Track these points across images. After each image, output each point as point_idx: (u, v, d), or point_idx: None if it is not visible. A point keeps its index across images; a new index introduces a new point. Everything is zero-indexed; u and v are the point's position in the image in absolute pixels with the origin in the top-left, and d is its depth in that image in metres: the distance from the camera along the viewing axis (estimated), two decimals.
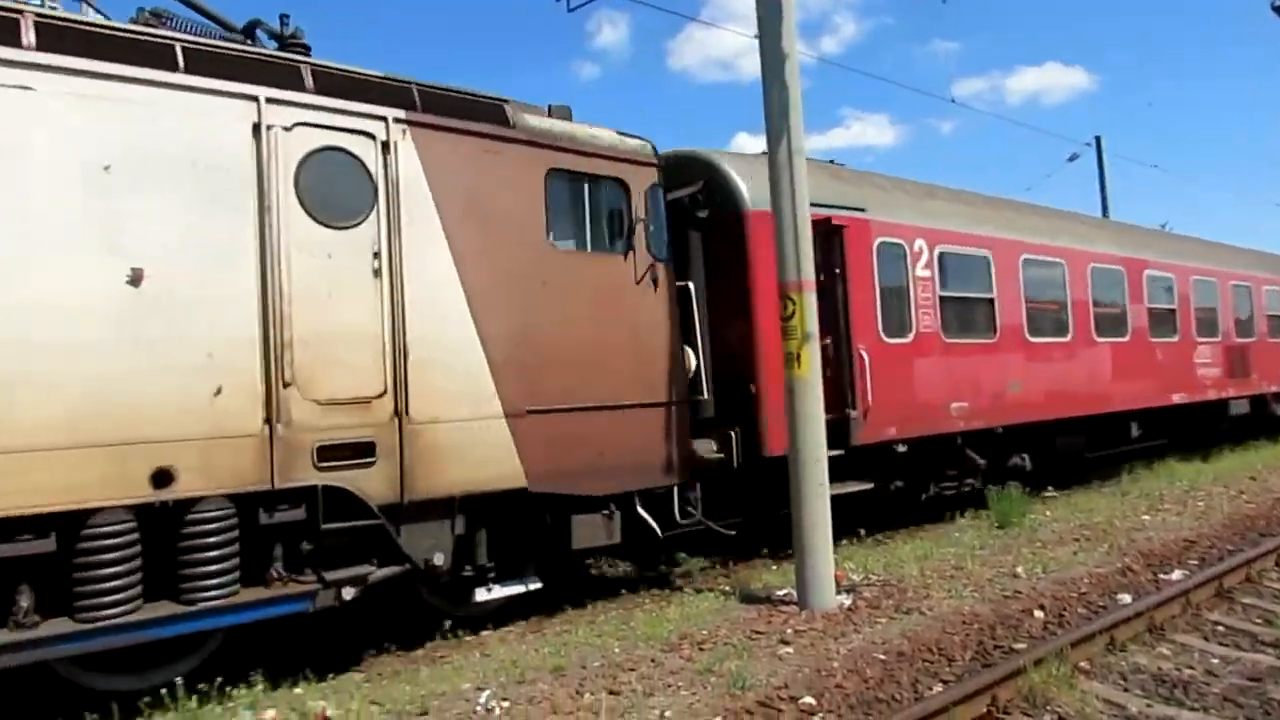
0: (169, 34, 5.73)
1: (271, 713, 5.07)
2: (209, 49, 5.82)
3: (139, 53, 5.47)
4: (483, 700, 5.10)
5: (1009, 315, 11.68)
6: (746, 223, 9.02)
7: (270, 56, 6.14)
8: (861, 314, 9.85)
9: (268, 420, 5.65)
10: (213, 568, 5.45)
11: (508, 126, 7.08)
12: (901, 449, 10.27)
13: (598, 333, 7.39)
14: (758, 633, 6.23)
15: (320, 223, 6.00)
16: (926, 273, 10.72)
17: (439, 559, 6.44)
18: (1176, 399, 14.63)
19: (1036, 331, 12.14)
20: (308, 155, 5.99)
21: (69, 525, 5.03)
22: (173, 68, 5.54)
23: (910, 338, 10.46)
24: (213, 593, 5.45)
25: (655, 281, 7.88)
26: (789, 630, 6.25)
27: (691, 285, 8.37)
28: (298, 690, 5.61)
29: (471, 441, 6.53)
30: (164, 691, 5.16)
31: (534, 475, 6.83)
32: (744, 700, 4.93)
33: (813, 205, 8.47)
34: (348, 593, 5.98)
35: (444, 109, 6.75)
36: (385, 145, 6.32)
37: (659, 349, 7.85)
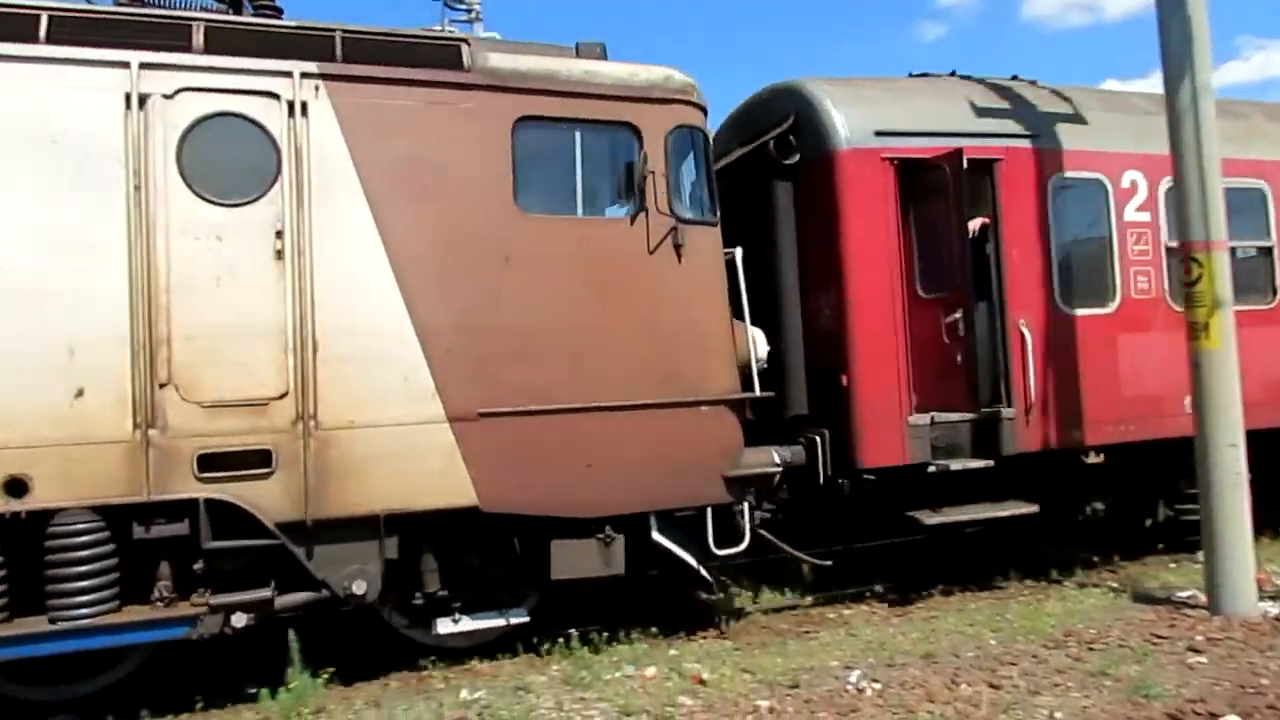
0: (40, 3, 5.25)
1: (652, 669, 5.44)
2: (77, 14, 5.26)
3: None
4: (853, 680, 5.05)
5: None
6: (838, 166, 7.11)
7: (155, 17, 5.40)
8: (1022, 276, 7.37)
9: (139, 425, 5.06)
10: (80, 584, 5.00)
11: (461, 70, 5.89)
12: (1096, 458, 7.88)
13: (590, 316, 6.01)
14: (1159, 636, 5.73)
15: (208, 200, 5.26)
16: (1144, 216, 7.79)
17: (359, 587, 5.50)
18: None
19: None
20: (193, 124, 5.27)
21: None
22: (32, 39, 5.08)
23: (1113, 307, 7.67)
24: (82, 610, 5.01)
25: (679, 249, 6.22)
26: (1198, 637, 5.68)
27: (738, 253, 6.61)
28: (673, 651, 6.03)
29: (401, 451, 5.48)
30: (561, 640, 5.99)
31: (487, 492, 5.64)
32: (1149, 710, 4.51)
33: (944, 135, 7.26)
34: (239, 619, 5.26)
35: (375, 57, 5.70)
36: (292, 105, 5.43)
37: (684, 332, 6.22)
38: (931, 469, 7.09)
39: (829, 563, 7.33)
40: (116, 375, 5.03)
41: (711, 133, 6.96)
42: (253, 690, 5.40)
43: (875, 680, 5.00)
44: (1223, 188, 6.40)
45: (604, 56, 6.43)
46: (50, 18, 5.17)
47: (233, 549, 5.22)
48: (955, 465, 7.09)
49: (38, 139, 5.00)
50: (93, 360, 5.00)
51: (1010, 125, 7.66)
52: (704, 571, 6.46)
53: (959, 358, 7.06)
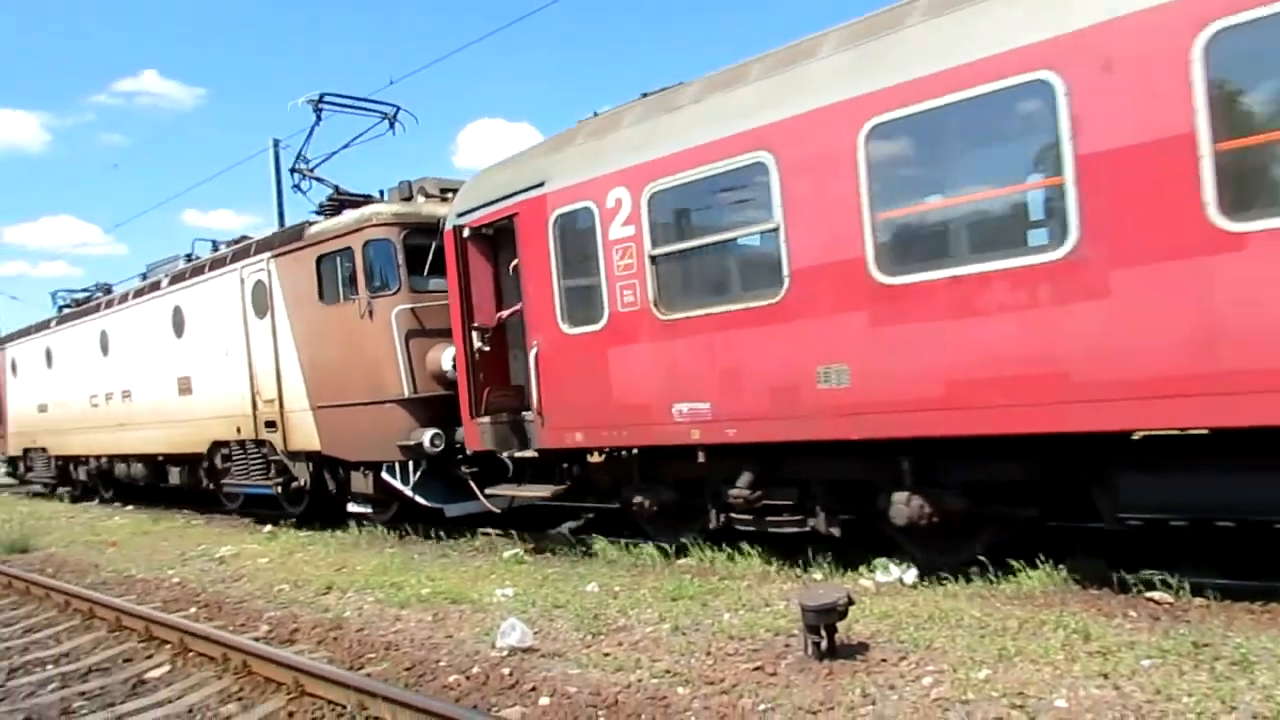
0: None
1: None
2: (217, 255, 13.73)
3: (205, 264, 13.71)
4: None
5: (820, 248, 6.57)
6: (445, 241, 9.73)
7: (241, 246, 13.27)
8: (536, 304, 8.54)
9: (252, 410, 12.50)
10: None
11: (302, 239, 11.66)
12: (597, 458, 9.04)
13: (345, 356, 10.91)
14: None
15: (258, 316, 12.39)
16: (629, 230, 7.70)
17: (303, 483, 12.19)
18: None
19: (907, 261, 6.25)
20: (254, 285, 12.46)
21: None
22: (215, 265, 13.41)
23: (603, 323, 7.99)
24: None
25: (371, 313, 10.50)
26: None
27: (409, 306, 10.42)
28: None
29: (300, 423, 11.73)
30: None
31: (324, 443, 11.40)
32: None
33: (491, 203, 9.07)
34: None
35: (285, 241, 12.08)
36: (269, 270, 12.14)
37: (376, 360, 10.51)
38: (504, 455, 9.41)
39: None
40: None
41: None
42: None
43: None
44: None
45: (409, 195, 11.19)
46: (232, 252, 12.95)
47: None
48: (504, 454, 9.35)
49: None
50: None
51: (527, 179, 8.65)
52: (418, 498, 10.47)
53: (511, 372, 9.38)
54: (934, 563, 6.82)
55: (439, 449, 9.97)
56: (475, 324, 9.25)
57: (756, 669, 5.02)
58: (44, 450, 21.03)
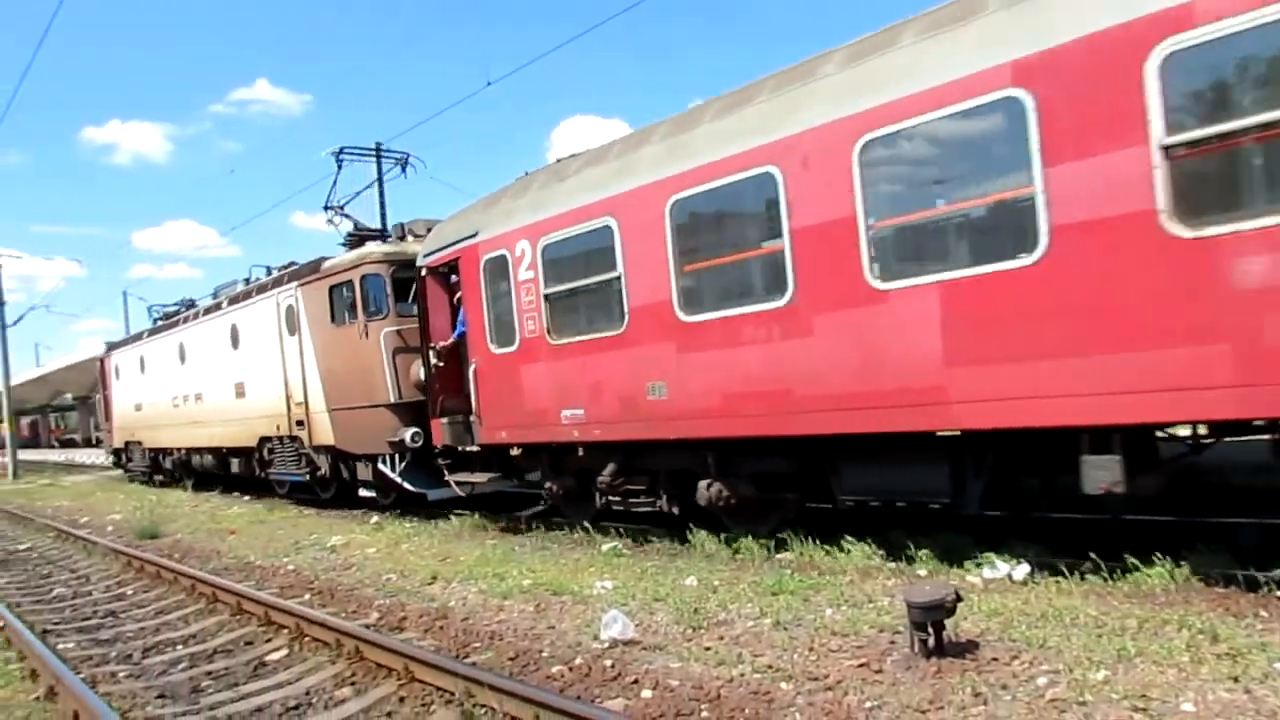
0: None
1: None
2: (264, 280, 16.75)
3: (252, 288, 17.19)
4: None
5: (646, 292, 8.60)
6: (419, 276, 11.97)
7: (280, 274, 16.14)
8: (473, 331, 10.81)
9: (287, 411, 15.16)
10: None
11: (317, 272, 14.37)
12: (516, 451, 10.79)
13: (349, 367, 13.48)
14: None
15: (290, 334, 14.99)
16: (530, 274, 9.85)
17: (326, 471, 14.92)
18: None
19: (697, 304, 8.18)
20: (287, 309, 15.06)
21: None
22: (256, 292, 16.65)
23: (516, 346, 10.17)
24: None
25: (367, 332, 13.11)
26: None
27: (396, 328, 12.95)
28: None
29: (321, 422, 14.25)
30: None
31: (338, 439, 13.85)
32: None
33: (445, 248, 11.33)
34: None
35: (307, 274, 14.64)
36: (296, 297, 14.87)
37: (370, 371, 13.05)
38: (462, 449, 11.44)
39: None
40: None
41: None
42: None
43: None
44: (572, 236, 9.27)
45: (403, 236, 13.87)
46: (272, 280, 16.11)
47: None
48: (460, 448, 11.40)
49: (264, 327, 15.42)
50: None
51: (467, 230, 10.86)
52: (405, 484, 12.87)
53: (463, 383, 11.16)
54: (740, 533, 8.63)
55: (418, 444, 12.23)
56: (432, 344, 11.57)
57: (861, 665, 4.94)
58: (140, 443, 24.34)
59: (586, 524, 10.28)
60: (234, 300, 17.57)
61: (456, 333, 11.41)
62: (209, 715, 5.30)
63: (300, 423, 14.71)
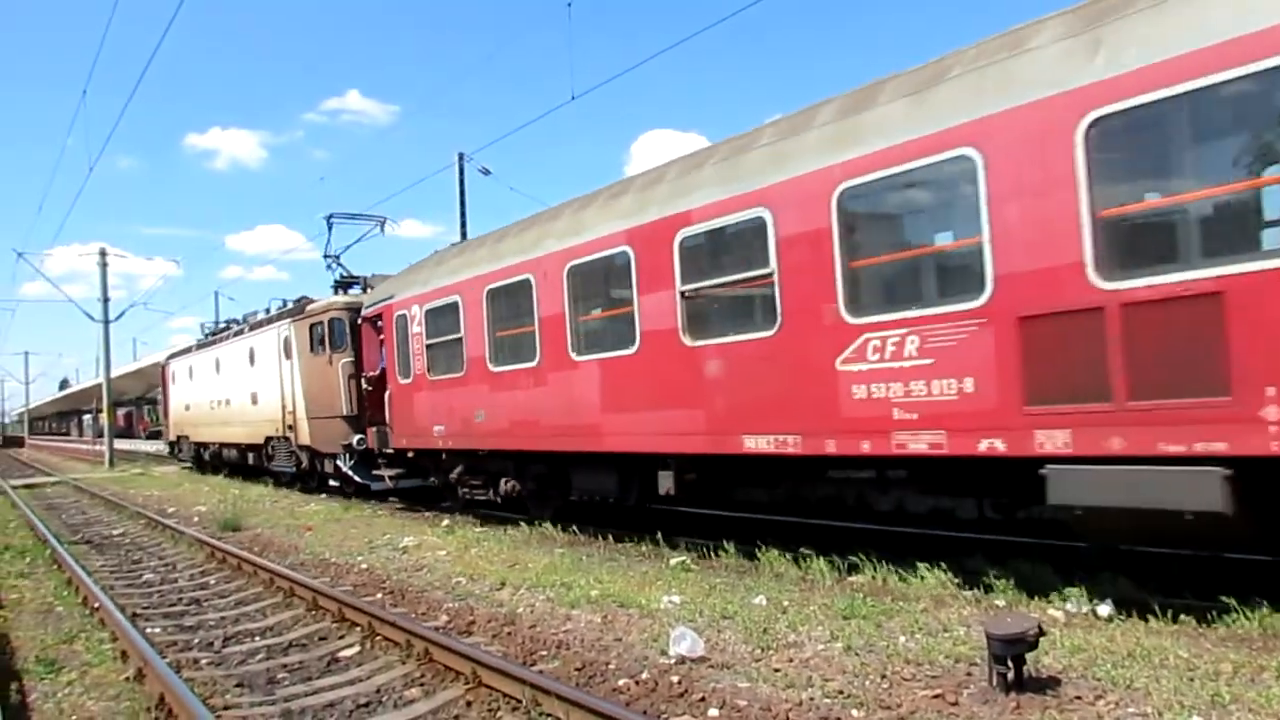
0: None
1: None
2: (277, 313, 21.52)
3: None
4: None
5: (473, 348, 12.62)
6: (358, 324, 16.94)
7: (280, 313, 20.98)
8: (390, 366, 14.94)
9: (283, 418, 19.32)
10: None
11: (303, 313, 18.85)
12: (411, 454, 15.10)
13: (320, 386, 17.77)
14: None
15: (286, 359, 19.51)
16: (418, 329, 13.93)
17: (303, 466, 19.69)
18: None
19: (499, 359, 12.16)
20: (284, 339, 19.65)
21: None
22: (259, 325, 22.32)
23: (411, 379, 14.25)
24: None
25: (331, 360, 17.52)
26: None
27: (350, 359, 17.16)
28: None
29: (305, 427, 18.67)
30: None
31: (313, 440, 18.26)
32: None
33: (375, 304, 15.61)
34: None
35: (296, 312, 19.29)
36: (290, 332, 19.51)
37: (332, 391, 17.39)
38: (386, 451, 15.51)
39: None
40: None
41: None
42: None
43: None
44: (440, 306, 13.42)
45: (365, 288, 18.38)
46: (278, 314, 21.12)
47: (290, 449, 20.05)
48: (381, 450, 15.54)
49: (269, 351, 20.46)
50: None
51: (387, 294, 15.24)
52: (355, 476, 16.89)
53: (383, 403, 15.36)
54: (541, 518, 12.33)
55: (362, 447, 16.35)
56: (365, 373, 16.35)
57: (936, 696, 4.79)
58: (187, 437, 29.71)
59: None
60: (253, 327, 22.55)
61: (380, 366, 15.56)
62: (284, 707, 5.43)
63: (291, 427, 19.38)
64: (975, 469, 6.82)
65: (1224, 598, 6.01)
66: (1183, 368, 5.38)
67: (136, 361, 72.21)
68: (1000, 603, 6.76)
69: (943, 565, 7.46)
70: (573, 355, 10.35)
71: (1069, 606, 6.40)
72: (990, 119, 6.34)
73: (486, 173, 23.09)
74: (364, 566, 10.05)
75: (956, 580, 7.27)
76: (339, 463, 17.24)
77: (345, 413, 16.81)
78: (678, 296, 8.82)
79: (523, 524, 12.27)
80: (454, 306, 12.79)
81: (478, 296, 12.16)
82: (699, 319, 8.82)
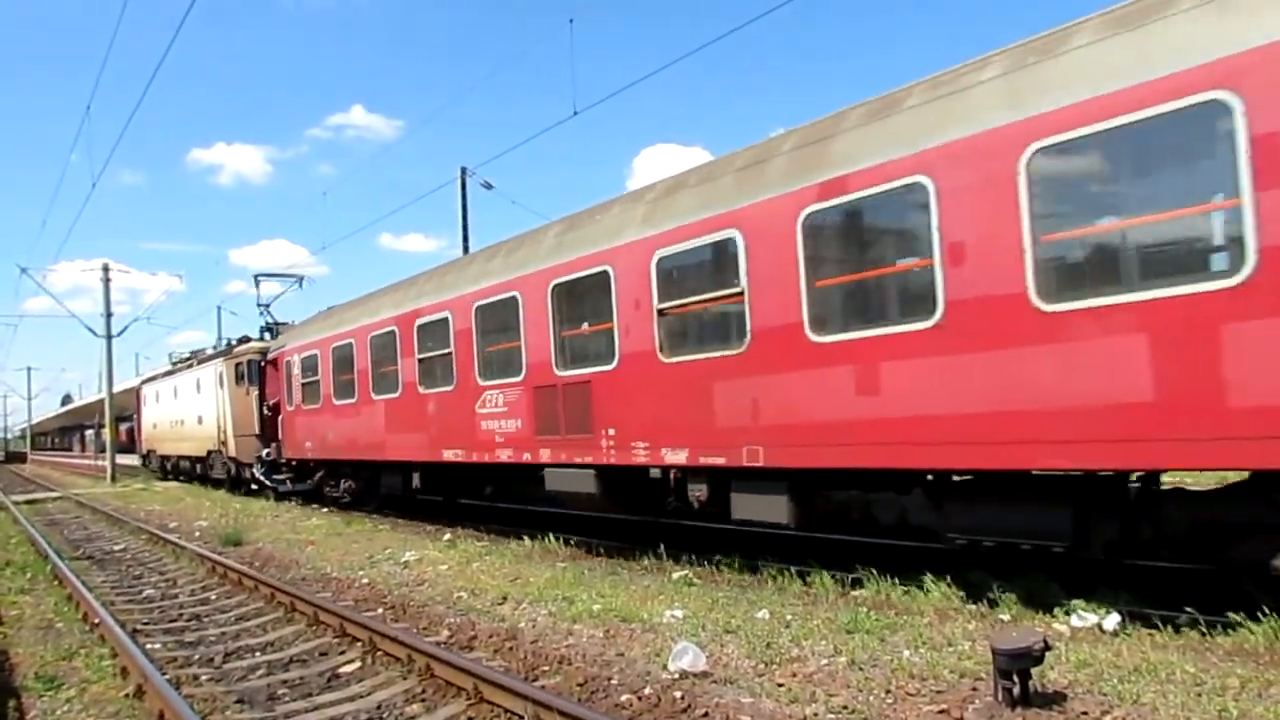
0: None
1: None
2: (216, 352, 28.43)
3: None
4: None
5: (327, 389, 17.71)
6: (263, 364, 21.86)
7: (228, 349, 26.75)
8: (281, 398, 19.99)
9: (219, 437, 26.06)
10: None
11: (232, 355, 25.25)
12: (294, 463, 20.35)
13: (241, 411, 23.65)
14: None
15: (240, 389, 24.32)
16: (297, 372, 18.98)
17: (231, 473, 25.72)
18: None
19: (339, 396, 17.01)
20: (235, 367, 24.73)
21: None
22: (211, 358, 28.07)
23: (293, 407, 19.25)
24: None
25: (249, 392, 23.18)
26: None
27: (258, 390, 22.01)
28: None
29: (245, 446, 23.76)
30: None
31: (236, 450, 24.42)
32: None
33: (275, 350, 20.96)
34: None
35: (229, 354, 25.61)
36: (223, 368, 25.67)
37: (250, 415, 22.63)
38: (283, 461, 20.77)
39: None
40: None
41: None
42: None
43: None
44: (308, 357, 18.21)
45: (275, 335, 22.16)
46: (218, 353, 27.65)
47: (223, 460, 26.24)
48: (279, 460, 20.60)
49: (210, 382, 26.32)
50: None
51: (281, 344, 20.36)
52: (266, 481, 21.39)
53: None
54: (365, 512, 17.60)
55: (271, 458, 20.84)
56: (266, 402, 20.99)
57: (941, 712, 4.76)
58: (155, 450, 36.03)
59: (662, 550, 10.38)
60: (201, 362, 28.60)
61: (276, 398, 20.31)
62: None
63: (223, 442, 25.02)
64: (530, 469, 11.35)
65: (1230, 613, 5.97)
66: (580, 417, 10.18)
67: (139, 377, 72.28)
68: (1005, 616, 6.72)
69: (946, 579, 7.43)
70: (372, 395, 15.35)
71: (1074, 621, 6.36)
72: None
73: (489, 187, 23.50)
74: (365, 581, 10.01)
75: (960, 593, 7.23)
76: (255, 471, 22.09)
77: (256, 431, 21.83)
78: (416, 363, 13.80)
79: (525, 538, 12.24)
80: (314, 358, 17.94)
81: (328, 353, 17.26)
82: (428, 375, 13.55)
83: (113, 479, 35.20)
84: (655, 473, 9.90)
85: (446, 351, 12.81)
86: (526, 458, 11.17)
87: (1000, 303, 6.18)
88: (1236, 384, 5.17)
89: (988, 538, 6.79)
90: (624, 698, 5.34)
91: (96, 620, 8.12)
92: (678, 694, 5.30)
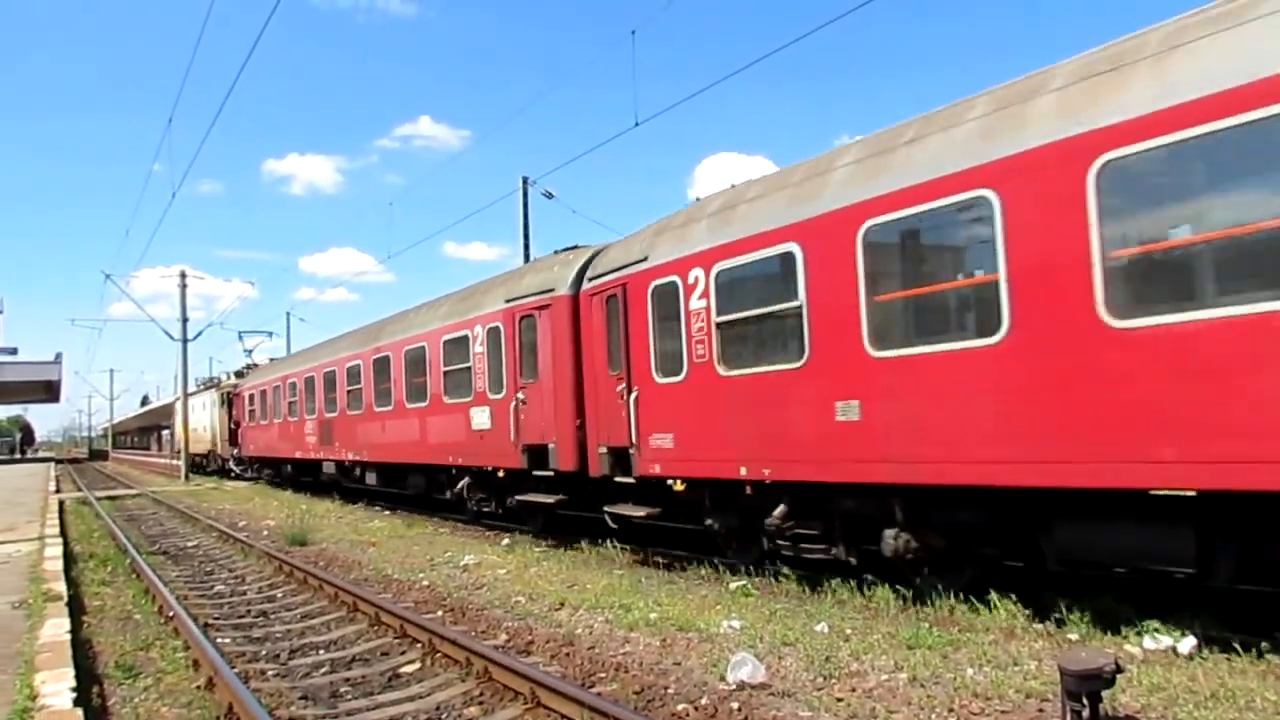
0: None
1: None
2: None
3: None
4: None
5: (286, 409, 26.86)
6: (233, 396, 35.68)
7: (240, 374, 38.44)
8: (246, 419, 33.77)
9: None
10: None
11: (219, 387, 39.40)
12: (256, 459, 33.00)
13: (222, 425, 37.94)
14: None
15: (225, 411, 37.99)
16: (255, 404, 31.77)
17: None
18: None
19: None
20: (221, 396, 37.92)
21: None
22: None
23: (253, 423, 32.57)
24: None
25: (229, 414, 36.21)
26: None
27: (229, 413, 36.96)
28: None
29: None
30: None
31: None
32: None
33: (237, 385, 36.66)
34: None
35: (217, 386, 40.02)
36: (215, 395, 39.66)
37: (225, 428, 37.39)
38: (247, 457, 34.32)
39: None
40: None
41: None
42: None
43: None
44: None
45: (244, 375, 36.67)
46: (215, 383, 42.16)
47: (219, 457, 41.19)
48: (246, 457, 33.49)
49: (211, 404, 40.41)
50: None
51: (246, 381, 34.10)
52: (235, 469, 36.55)
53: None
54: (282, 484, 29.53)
55: (236, 455, 34.01)
56: (235, 421, 33.69)
57: None
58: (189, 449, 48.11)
59: (717, 561, 10.25)
60: (208, 388, 41.87)
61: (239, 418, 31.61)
62: None
63: (216, 445, 38.08)
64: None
65: None
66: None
67: (212, 379, 74.80)
68: (1073, 636, 6.53)
69: (1013, 596, 7.24)
70: (288, 418, 25.60)
71: (1147, 643, 6.14)
72: None
73: (550, 196, 23.65)
74: (425, 583, 10.16)
75: (1027, 612, 7.04)
76: (231, 464, 35.43)
77: (228, 439, 34.49)
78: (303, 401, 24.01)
79: (583, 544, 12.29)
80: (278, 391, 26.64)
81: (258, 392, 29.00)
82: (310, 407, 23.72)
83: (186, 478, 37.28)
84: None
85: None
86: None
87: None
88: None
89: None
90: (680, 707, 5.32)
91: (171, 614, 8.40)
92: (735, 705, 5.26)
